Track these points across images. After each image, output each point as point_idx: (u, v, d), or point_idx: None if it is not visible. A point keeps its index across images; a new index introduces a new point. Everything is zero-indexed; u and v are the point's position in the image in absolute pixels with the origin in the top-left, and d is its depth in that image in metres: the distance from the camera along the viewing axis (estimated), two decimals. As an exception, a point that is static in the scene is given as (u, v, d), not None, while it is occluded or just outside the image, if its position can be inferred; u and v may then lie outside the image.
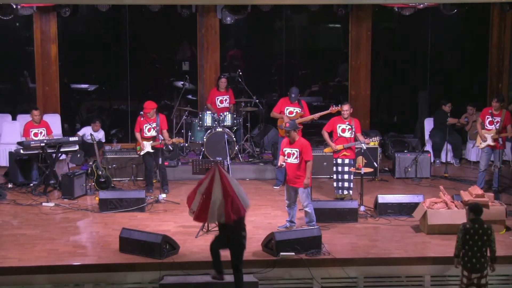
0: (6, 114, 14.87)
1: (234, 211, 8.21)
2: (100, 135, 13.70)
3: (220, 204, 8.22)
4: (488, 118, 12.12)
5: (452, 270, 9.28)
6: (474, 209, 8.32)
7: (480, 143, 12.21)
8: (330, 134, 11.64)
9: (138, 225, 10.37)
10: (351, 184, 11.57)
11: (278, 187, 12.68)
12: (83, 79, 15.90)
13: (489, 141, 12.06)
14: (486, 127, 12.14)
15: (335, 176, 11.68)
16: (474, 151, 14.25)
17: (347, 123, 11.47)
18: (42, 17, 14.77)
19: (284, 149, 10.23)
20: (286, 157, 10.19)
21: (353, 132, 11.45)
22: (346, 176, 11.55)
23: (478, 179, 12.26)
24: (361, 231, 10.36)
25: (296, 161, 10.08)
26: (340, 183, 11.63)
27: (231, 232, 8.40)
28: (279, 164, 10.33)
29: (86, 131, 13.57)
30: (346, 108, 11.54)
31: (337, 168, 11.60)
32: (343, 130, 11.50)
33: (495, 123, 11.97)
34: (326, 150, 11.94)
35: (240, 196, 8.33)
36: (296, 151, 10.09)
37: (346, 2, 14.24)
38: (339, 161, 11.54)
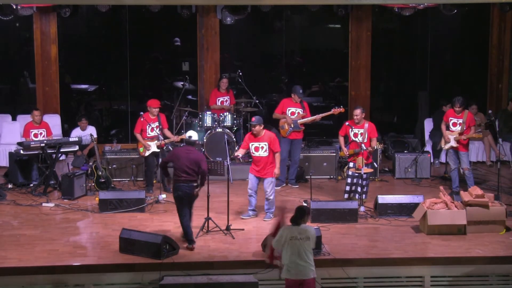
0: (6, 115, 14.86)
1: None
2: (92, 130, 13.67)
3: None
4: (451, 120, 12.04)
5: (452, 270, 9.30)
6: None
7: (445, 144, 12.12)
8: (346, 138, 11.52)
9: (138, 226, 10.36)
10: (366, 188, 11.30)
11: (279, 188, 12.67)
12: (83, 79, 15.91)
13: (452, 143, 11.96)
14: (450, 128, 12.06)
15: (349, 180, 11.37)
16: (474, 152, 14.25)
17: (359, 128, 11.26)
18: (42, 17, 14.76)
19: (251, 143, 10.73)
20: (253, 151, 10.69)
21: (366, 137, 11.23)
22: (363, 182, 11.23)
23: (451, 178, 12.18)
24: (361, 231, 10.35)
25: (265, 154, 10.65)
26: (348, 187, 11.36)
27: None
28: (236, 155, 10.96)
29: (76, 133, 13.54)
30: (357, 113, 11.30)
31: (348, 172, 11.37)
32: (355, 135, 11.32)
33: (458, 125, 11.93)
34: (342, 154, 11.87)
35: None
36: (265, 144, 10.63)
37: (346, 2, 14.23)
38: (351, 164, 11.34)
